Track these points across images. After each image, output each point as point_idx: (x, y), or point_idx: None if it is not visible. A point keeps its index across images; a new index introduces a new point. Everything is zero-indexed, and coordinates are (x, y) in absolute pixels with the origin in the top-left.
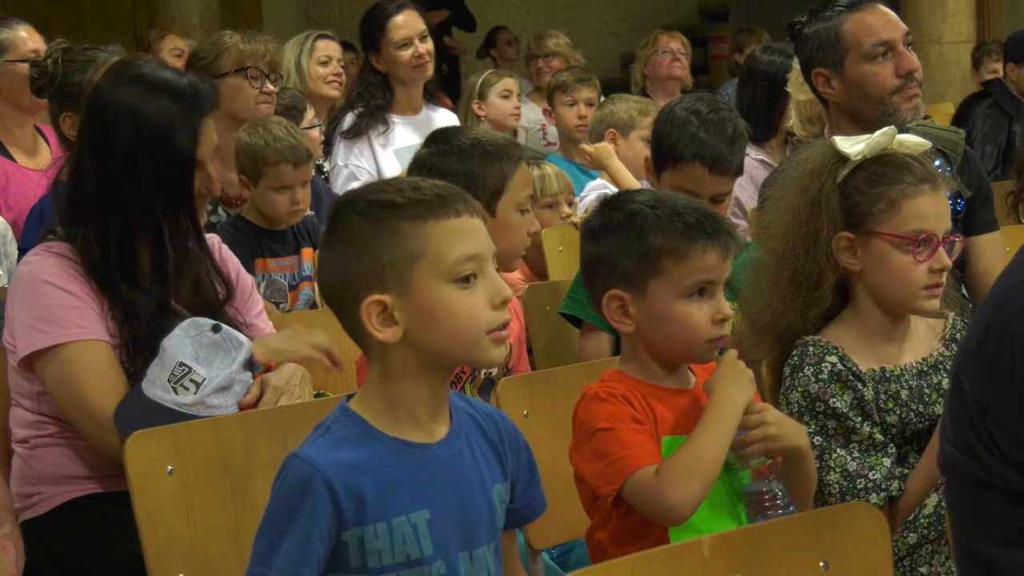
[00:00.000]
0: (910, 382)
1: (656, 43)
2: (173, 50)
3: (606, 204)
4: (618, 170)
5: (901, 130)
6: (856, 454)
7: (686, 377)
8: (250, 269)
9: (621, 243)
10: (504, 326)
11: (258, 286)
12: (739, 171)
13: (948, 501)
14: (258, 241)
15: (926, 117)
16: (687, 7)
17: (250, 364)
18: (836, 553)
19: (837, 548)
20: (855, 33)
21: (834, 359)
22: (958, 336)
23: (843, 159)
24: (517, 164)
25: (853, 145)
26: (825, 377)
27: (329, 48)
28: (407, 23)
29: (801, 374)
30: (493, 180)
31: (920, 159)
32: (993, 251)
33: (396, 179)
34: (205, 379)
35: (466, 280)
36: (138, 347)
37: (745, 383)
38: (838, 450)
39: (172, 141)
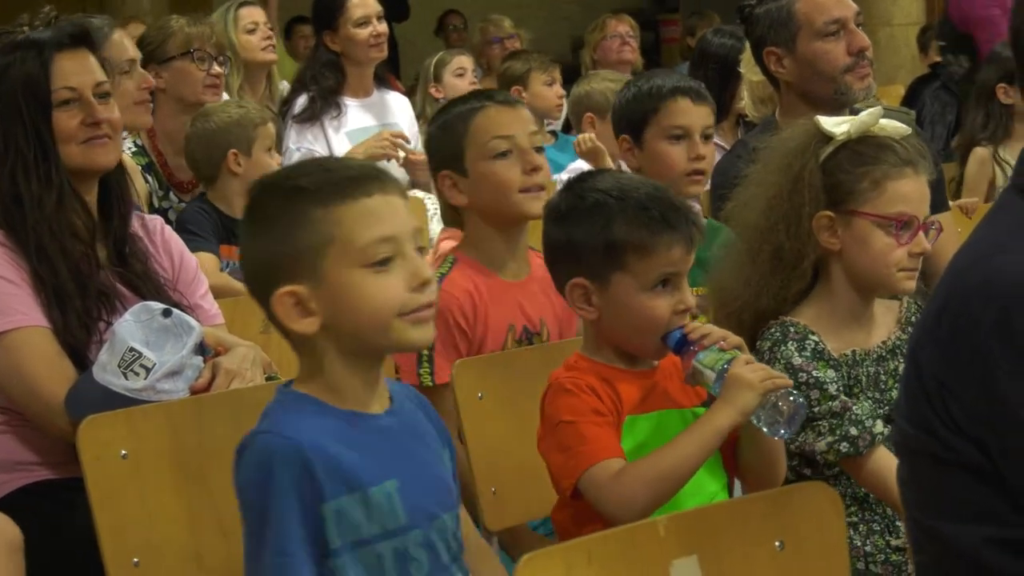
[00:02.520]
0: (869, 368)
1: (604, 27)
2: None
3: (569, 188)
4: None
5: (852, 111)
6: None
7: (648, 360)
8: (216, 251)
9: (585, 234)
10: (424, 307)
11: (222, 272)
12: (715, 112)
13: (903, 478)
14: (224, 227)
15: (876, 98)
16: None
17: (201, 348)
18: (792, 533)
19: (793, 528)
20: (807, 11)
21: (815, 339)
22: (913, 319)
23: (826, 138)
24: (470, 117)
25: (837, 124)
26: (808, 354)
27: (253, 14)
28: (364, 2)
29: (784, 348)
30: (450, 146)
31: (903, 142)
32: (945, 232)
33: (310, 160)
34: (155, 364)
35: (382, 263)
36: (77, 329)
37: (744, 399)
38: (817, 409)
39: (27, 86)
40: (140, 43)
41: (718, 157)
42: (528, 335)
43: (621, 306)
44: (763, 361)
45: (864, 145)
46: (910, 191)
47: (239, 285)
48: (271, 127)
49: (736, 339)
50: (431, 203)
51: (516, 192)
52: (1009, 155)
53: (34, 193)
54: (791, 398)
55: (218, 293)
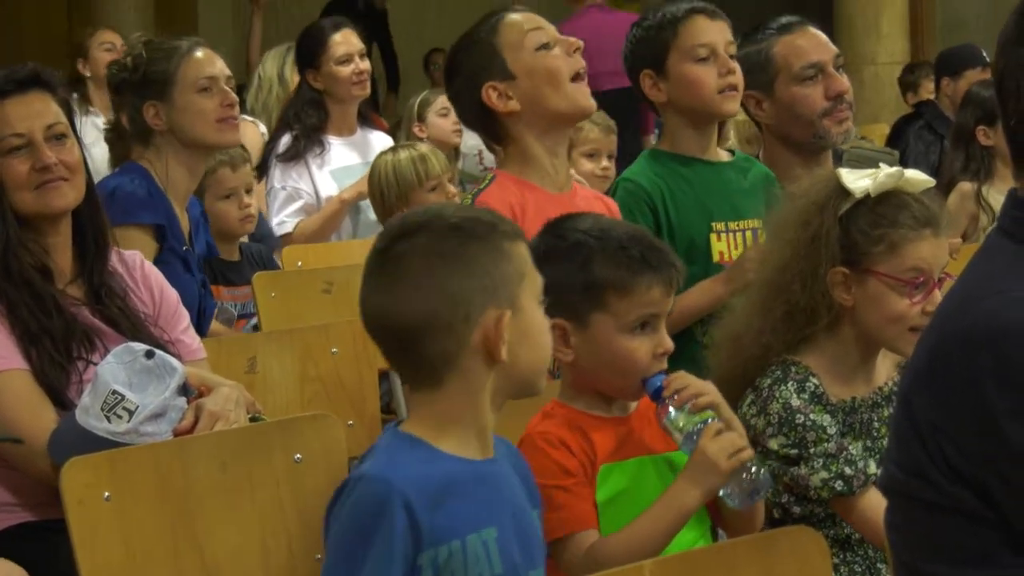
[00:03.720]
0: (863, 415)
1: None
2: (103, 44)
3: (548, 229)
4: None
5: (836, 153)
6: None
7: (624, 404)
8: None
9: (564, 274)
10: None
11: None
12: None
13: (893, 523)
14: (215, 268)
15: (862, 137)
16: None
17: (184, 389)
18: None
19: (778, 571)
20: (785, 55)
21: (815, 383)
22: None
23: (846, 192)
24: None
25: (857, 180)
26: (806, 396)
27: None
28: (347, 40)
29: (783, 387)
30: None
31: (925, 199)
32: None
33: (445, 205)
34: (138, 406)
35: (543, 306)
36: (51, 368)
37: (710, 482)
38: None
39: None
40: None
41: None
42: None
43: (600, 347)
44: (760, 400)
45: (883, 205)
46: (927, 254)
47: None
48: (222, 172)
49: (709, 399)
50: None
51: (568, 80)
52: (994, 195)
53: None
54: (755, 471)
55: None
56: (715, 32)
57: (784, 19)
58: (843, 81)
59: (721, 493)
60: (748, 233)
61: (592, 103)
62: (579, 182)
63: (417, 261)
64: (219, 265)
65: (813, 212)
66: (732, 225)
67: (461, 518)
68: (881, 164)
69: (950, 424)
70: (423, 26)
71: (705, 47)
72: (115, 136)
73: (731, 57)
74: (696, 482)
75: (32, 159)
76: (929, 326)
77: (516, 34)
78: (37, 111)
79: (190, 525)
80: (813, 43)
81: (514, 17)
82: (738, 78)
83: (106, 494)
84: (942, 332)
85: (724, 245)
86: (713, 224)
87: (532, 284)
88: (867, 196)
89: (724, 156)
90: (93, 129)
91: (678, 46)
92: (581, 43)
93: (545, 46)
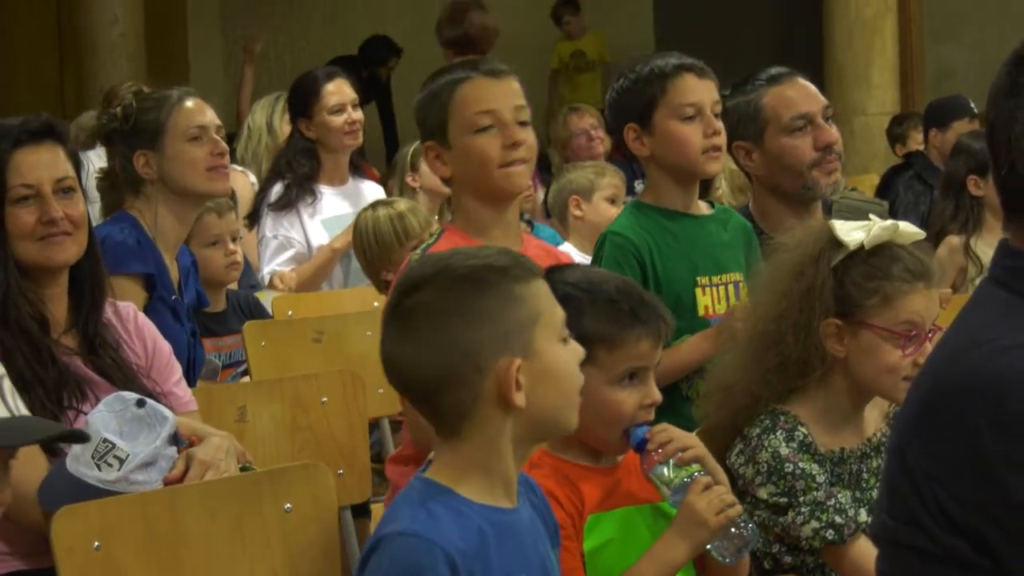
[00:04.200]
0: (852, 466)
1: (568, 124)
2: None
3: None
4: None
5: (825, 204)
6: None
7: (610, 455)
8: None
9: None
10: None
11: None
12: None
13: (882, 570)
14: (197, 320)
15: (852, 188)
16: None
17: (175, 439)
18: None
19: None
20: (774, 106)
21: (803, 432)
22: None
23: (839, 243)
24: (455, 88)
25: (851, 231)
26: (795, 445)
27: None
28: (339, 90)
29: (772, 437)
30: (434, 116)
31: (917, 252)
32: None
33: (464, 249)
34: (129, 455)
35: (566, 341)
36: (44, 416)
37: (698, 537)
38: (802, 498)
39: None
40: None
41: None
42: None
43: (587, 398)
44: (749, 449)
45: (877, 257)
46: (920, 306)
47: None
48: (208, 219)
49: (695, 452)
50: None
51: (496, 167)
52: (982, 247)
53: None
54: (743, 526)
55: None
56: (703, 91)
57: (774, 70)
58: (832, 132)
59: (709, 547)
60: (731, 287)
61: (520, 186)
62: (525, 230)
63: (426, 316)
64: (202, 317)
65: (807, 263)
66: (715, 279)
67: (497, 571)
68: (871, 215)
69: (944, 472)
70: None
71: (692, 106)
72: (108, 185)
73: (716, 116)
74: (684, 537)
75: (39, 211)
76: (920, 375)
77: (465, 107)
78: (48, 163)
79: (179, 575)
80: (802, 94)
81: (471, 87)
82: (723, 139)
83: (96, 543)
84: (934, 381)
85: (708, 299)
86: (698, 278)
87: (549, 323)
88: (861, 248)
89: (705, 209)
90: None
91: (666, 102)
92: (524, 138)
93: (486, 129)
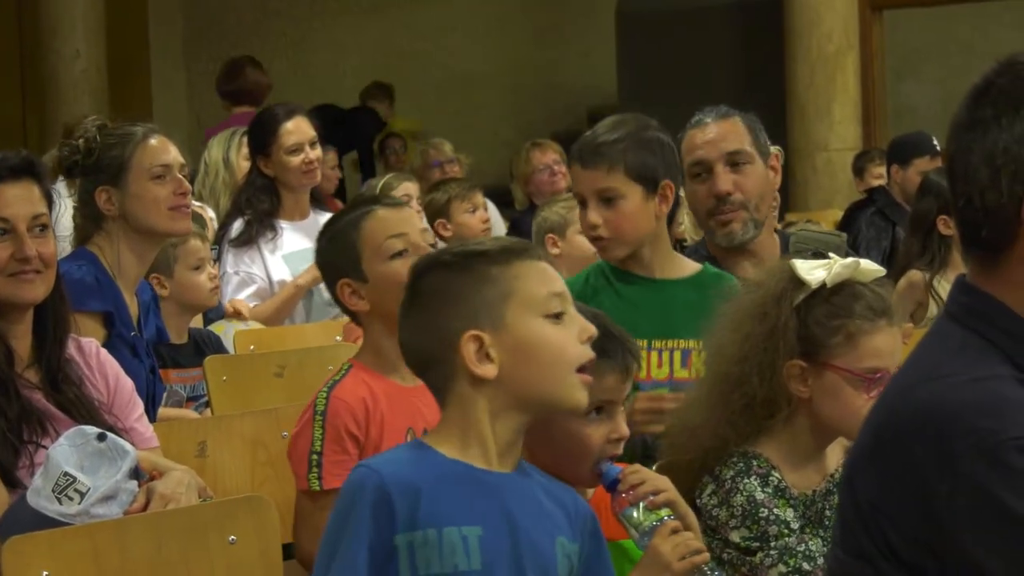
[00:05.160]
0: (819, 504)
1: (530, 160)
2: None
3: None
4: None
5: (783, 237)
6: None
7: (582, 491)
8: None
9: None
10: (590, 364)
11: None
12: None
13: None
14: (163, 352)
15: (808, 221)
16: (576, 113)
17: (136, 473)
18: None
19: None
20: (684, 151)
21: (777, 476)
22: None
23: (800, 282)
24: (361, 223)
25: (812, 270)
26: (770, 490)
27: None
28: (298, 129)
29: (747, 480)
30: (344, 253)
31: (878, 289)
32: None
33: (452, 245)
34: (90, 488)
35: (557, 316)
36: (2, 449)
37: None
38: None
39: None
40: None
41: None
42: None
43: (555, 432)
44: (723, 491)
45: (839, 296)
46: (883, 345)
47: (191, 414)
48: (194, 244)
49: (667, 496)
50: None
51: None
52: (943, 286)
53: None
54: (708, 572)
55: None
56: (585, 181)
57: (698, 114)
58: (726, 181)
59: None
60: (677, 353)
61: None
62: None
63: (416, 302)
64: (167, 349)
65: (770, 304)
66: (658, 343)
67: (442, 511)
68: (830, 254)
69: (891, 506)
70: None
71: (578, 194)
72: (82, 217)
73: (607, 201)
74: None
75: (13, 247)
76: (875, 408)
77: (376, 237)
78: (25, 199)
79: None
80: (704, 139)
81: (380, 215)
82: (603, 231)
83: (44, 573)
84: (886, 415)
85: (646, 363)
86: (637, 339)
87: (525, 299)
88: (822, 286)
89: (685, 271)
90: None
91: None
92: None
93: (400, 254)
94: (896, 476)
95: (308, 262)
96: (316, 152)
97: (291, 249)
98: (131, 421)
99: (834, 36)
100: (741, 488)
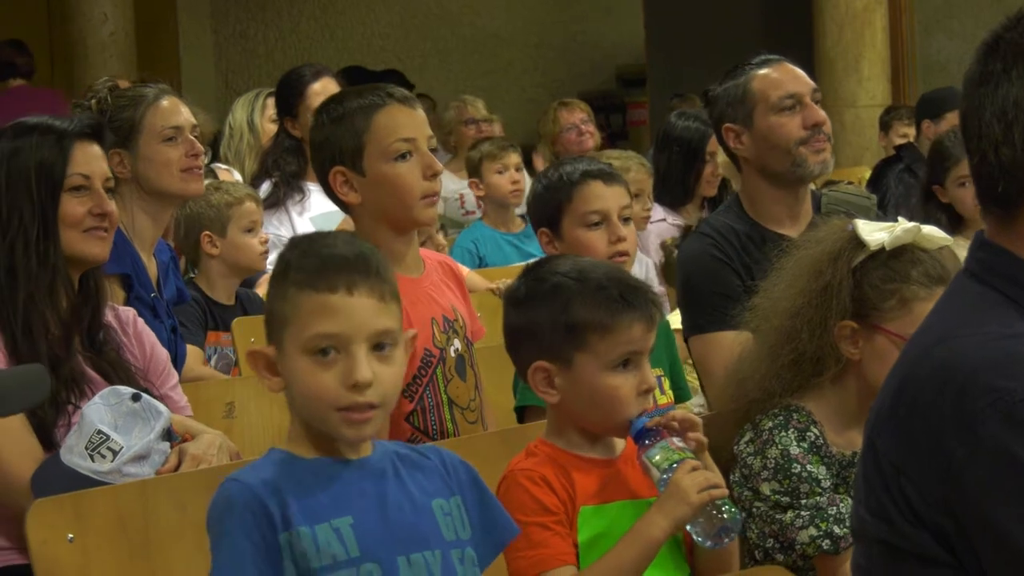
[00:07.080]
0: (856, 466)
1: (557, 120)
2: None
3: (528, 273)
4: None
5: (815, 197)
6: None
7: (611, 446)
8: (202, 342)
9: (545, 316)
10: (353, 408)
11: (209, 359)
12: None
13: (858, 564)
14: (210, 312)
15: (849, 183)
16: (605, 73)
17: (168, 434)
18: None
19: None
20: (763, 88)
21: (816, 432)
22: None
23: (861, 244)
24: (372, 114)
25: (873, 232)
26: (806, 445)
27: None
28: (325, 90)
29: (784, 433)
30: (347, 141)
31: (939, 257)
32: None
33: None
34: (123, 447)
35: (323, 353)
36: (46, 407)
37: (679, 513)
38: (804, 501)
39: (42, 166)
40: None
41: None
42: (449, 324)
43: (585, 386)
44: (760, 441)
45: (897, 260)
46: None
47: (223, 376)
48: (249, 206)
49: (696, 437)
50: None
51: (418, 199)
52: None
53: (31, 269)
54: (727, 510)
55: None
56: (610, 198)
57: (763, 56)
58: (820, 112)
59: (689, 527)
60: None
61: (432, 217)
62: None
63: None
64: (219, 310)
65: (826, 262)
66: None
67: (311, 508)
68: (870, 212)
69: (912, 465)
70: (403, 71)
71: (597, 213)
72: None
73: (625, 221)
74: (665, 513)
75: (92, 203)
76: (895, 368)
77: (386, 135)
78: (101, 158)
79: (150, 565)
80: (790, 76)
81: (393, 113)
82: (628, 244)
83: (70, 535)
84: (907, 373)
85: None
86: None
87: (297, 333)
88: (882, 249)
89: None
90: None
91: (572, 209)
92: (441, 168)
93: (404, 156)
94: (916, 437)
95: (336, 224)
96: None
97: (319, 211)
98: (166, 389)
99: None
100: (777, 440)
